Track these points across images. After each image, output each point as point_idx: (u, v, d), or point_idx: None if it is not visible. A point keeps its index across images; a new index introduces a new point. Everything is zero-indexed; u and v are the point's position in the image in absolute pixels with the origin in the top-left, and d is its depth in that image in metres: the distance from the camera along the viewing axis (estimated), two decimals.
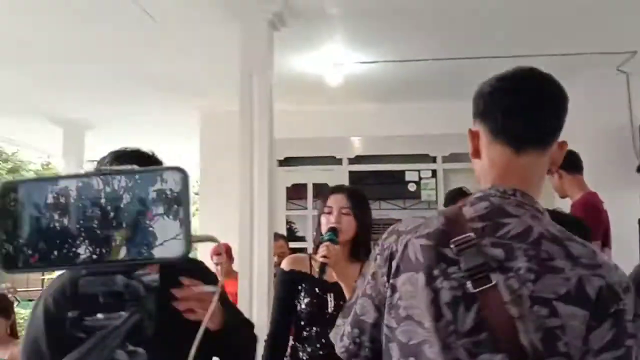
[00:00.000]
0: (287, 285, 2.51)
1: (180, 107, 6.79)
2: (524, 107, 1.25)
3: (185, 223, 0.67)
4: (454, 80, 5.85)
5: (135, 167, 0.69)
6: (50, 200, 0.69)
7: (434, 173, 6.56)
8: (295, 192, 7.02)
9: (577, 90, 5.56)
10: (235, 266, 4.20)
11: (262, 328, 2.75)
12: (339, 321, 1.39)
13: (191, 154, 7.41)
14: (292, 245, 6.00)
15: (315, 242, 2.55)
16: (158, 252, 0.67)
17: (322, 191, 6.75)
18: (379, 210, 9.55)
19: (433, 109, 6.41)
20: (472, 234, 1.19)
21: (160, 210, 0.67)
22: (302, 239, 7.06)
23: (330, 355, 2.35)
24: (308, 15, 4.33)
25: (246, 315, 2.59)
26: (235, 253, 4.14)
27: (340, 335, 1.37)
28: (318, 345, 2.42)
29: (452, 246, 1.20)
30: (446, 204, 4.03)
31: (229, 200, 4.33)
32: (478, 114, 1.32)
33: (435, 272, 1.20)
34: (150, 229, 0.67)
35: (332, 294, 2.43)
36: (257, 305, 3.93)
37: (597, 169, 5.28)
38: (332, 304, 2.42)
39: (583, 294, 1.11)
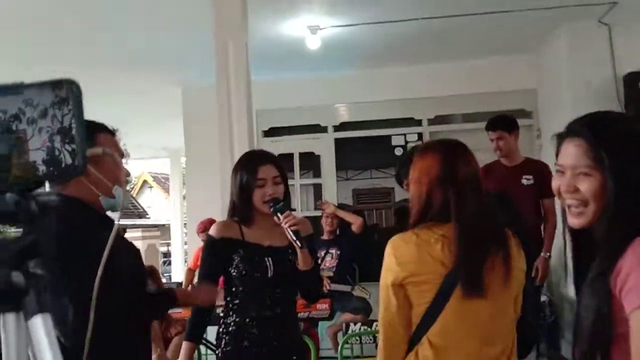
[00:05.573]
0: (217, 252, 2.43)
1: (162, 83, 6.69)
2: None
3: (78, 137, 0.63)
4: (436, 41, 5.76)
5: (23, 82, 0.64)
6: None
7: (420, 136, 6.50)
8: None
9: (559, 44, 5.56)
10: None
11: None
12: None
13: (178, 131, 7.31)
14: None
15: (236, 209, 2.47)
16: (53, 169, 0.63)
17: (310, 160, 6.71)
18: (371, 180, 9.47)
19: (417, 72, 6.34)
20: None
21: (53, 125, 0.63)
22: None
23: (274, 318, 2.36)
24: None
25: None
26: None
27: None
28: (261, 311, 2.37)
29: None
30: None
31: (214, 175, 4.25)
32: None
33: None
34: (44, 145, 0.63)
35: (270, 258, 2.38)
36: None
37: None
38: (272, 268, 2.37)
39: None
